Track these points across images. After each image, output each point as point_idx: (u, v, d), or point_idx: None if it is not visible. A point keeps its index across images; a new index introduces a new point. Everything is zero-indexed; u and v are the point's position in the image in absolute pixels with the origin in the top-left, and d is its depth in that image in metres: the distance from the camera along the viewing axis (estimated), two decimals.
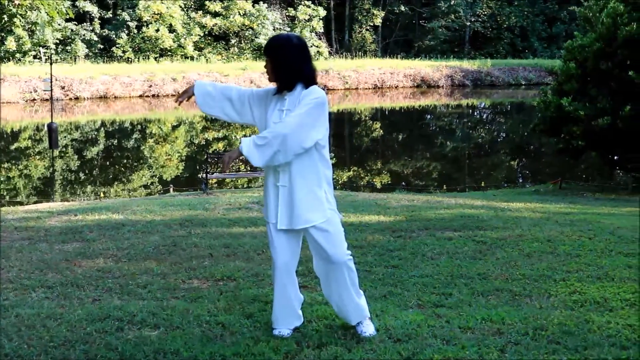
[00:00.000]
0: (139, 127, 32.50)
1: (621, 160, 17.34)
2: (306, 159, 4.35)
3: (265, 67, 4.48)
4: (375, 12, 59.63)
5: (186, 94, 4.69)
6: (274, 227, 4.45)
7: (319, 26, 55.74)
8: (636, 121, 14.70)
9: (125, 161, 24.74)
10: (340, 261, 4.41)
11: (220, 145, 26.65)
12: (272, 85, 4.54)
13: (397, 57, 55.16)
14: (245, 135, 26.27)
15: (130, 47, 48.33)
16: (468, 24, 60.28)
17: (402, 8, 61.67)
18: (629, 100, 14.69)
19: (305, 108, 4.28)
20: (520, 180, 22.18)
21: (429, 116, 39.53)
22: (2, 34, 38.20)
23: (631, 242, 7.41)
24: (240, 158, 4.34)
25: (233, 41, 53.11)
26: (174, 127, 32.47)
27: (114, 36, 48.60)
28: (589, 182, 18.52)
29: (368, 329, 4.56)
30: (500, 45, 60.74)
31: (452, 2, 59.46)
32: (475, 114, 41.31)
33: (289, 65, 4.36)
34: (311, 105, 4.29)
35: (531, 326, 4.66)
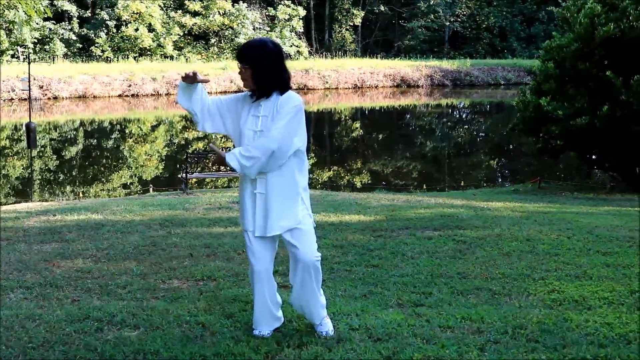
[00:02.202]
0: (119, 126, 32.36)
1: (599, 160, 17.47)
2: (284, 166, 4.37)
3: (240, 73, 4.40)
4: (355, 12, 59.69)
5: (195, 78, 4.43)
6: (252, 234, 4.45)
7: (299, 26, 55.76)
8: (614, 121, 14.81)
9: (104, 161, 24.63)
10: (309, 260, 4.40)
11: (201, 145, 26.57)
12: (243, 92, 4.52)
13: (377, 57, 55.29)
14: (225, 136, 26.27)
15: (109, 47, 48.09)
16: (447, 24, 60.46)
17: (382, 8, 61.76)
18: (607, 100, 14.79)
19: (287, 118, 4.29)
20: (500, 180, 22.32)
21: (408, 116, 39.66)
22: None
23: (609, 241, 7.47)
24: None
25: (213, 41, 52.99)
26: (154, 127, 32.36)
27: (92, 35, 48.33)
28: (567, 182, 18.64)
29: (329, 327, 4.60)
30: (480, 45, 60.98)
31: (432, 2, 59.62)
32: (455, 113, 41.47)
33: (268, 72, 4.33)
34: (292, 113, 4.31)
35: (510, 325, 4.69)
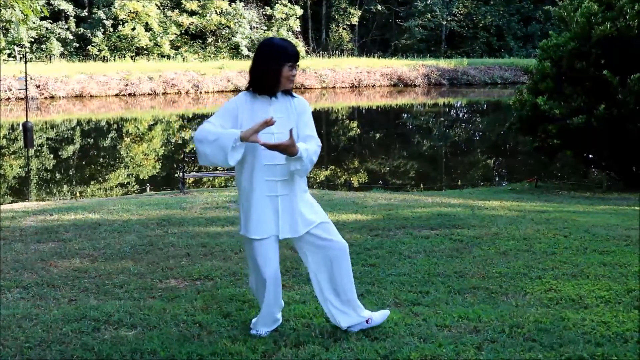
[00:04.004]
0: (115, 126, 32.34)
1: (596, 159, 17.48)
2: None
3: (293, 75, 4.33)
4: (352, 11, 59.78)
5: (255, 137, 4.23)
6: (268, 241, 4.35)
7: (296, 25, 55.85)
8: (610, 120, 14.83)
9: (101, 160, 24.61)
10: (344, 246, 4.43)
11: None
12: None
13: (374, 56, 55.35)
14: None
15: (106, 46, 48.09)
16: (444, 23, 60.55)
17: (379, 7, 61.89)
18: (604, 99, 14.81)
19: (311, 118, 4.45)
20: (497, 179, 22.32)
21: (405, 115, 39.65)
22: None
23: (606, 240, 7.47)
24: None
25: (210, 40, 52.99)
26: (151, 126, 32.33)
27: (89, 35, 48.32)
28: (564, 181, 18.66)
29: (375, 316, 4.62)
30: (477, 45, 61.09)
31: (429, 1, 59.69)
32: (452, 112, 41.48)
33: None
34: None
35: (507, 324, 4.69)
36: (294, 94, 4.42)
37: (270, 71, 4.25)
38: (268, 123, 4.12)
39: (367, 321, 4.55)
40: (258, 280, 4.46)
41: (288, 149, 4.13)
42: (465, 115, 40.90)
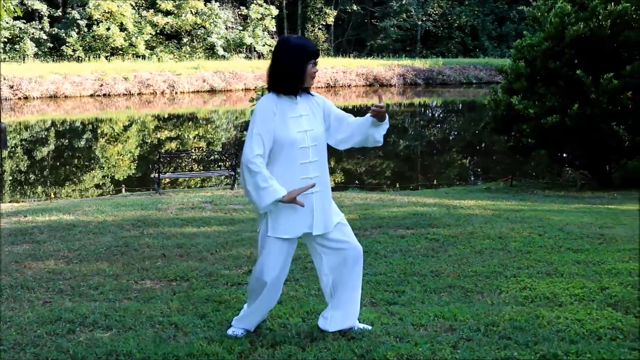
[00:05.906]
0: (90, 126, 32.12)
1: (570, 158, 17.62)
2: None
3: (315, 72, 4.32)
4: (327, 11, 59.82)
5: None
6: (291, 242, 4.32)
7: (272, 25, 55.76)
8: (584, 119, 14.95)
9: (76, 161, 24.44)
10: (360, 249, 4.45)
11: (173, 145, 26.45)
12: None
13: (349, 56, 55.46)
14: (198, 136, 26.12)
15: (80, 46, 47.74)
16: (419, 23, 60.78)
17: (354, 7, 61.97)
18: (577, 99, 14.93)
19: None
20: (472, 178, 22.43)
21: None
22: None
23: (579, 238, 7.54)
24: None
25: (185, 40, 52.79)
26: (126, 127, 32.15)
27: (63, 35, 47.93)
28: (538, 180, 18.79)
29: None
30: (452, 45, 61.39)
31: (404, 2, 59.89)
32: (427, 112, 41.62)
33: None
34: None
35: (483, 322, 4.71)
36: (312, 92, 4.43)
37: (294, 70, 4.24)
38: (312, 186, 4.24)
39: (351, 327, 4.58)
40: (258, 281, 4.39)
41: (385, 114, 4.51)
42: (441, 115, 41.06)
